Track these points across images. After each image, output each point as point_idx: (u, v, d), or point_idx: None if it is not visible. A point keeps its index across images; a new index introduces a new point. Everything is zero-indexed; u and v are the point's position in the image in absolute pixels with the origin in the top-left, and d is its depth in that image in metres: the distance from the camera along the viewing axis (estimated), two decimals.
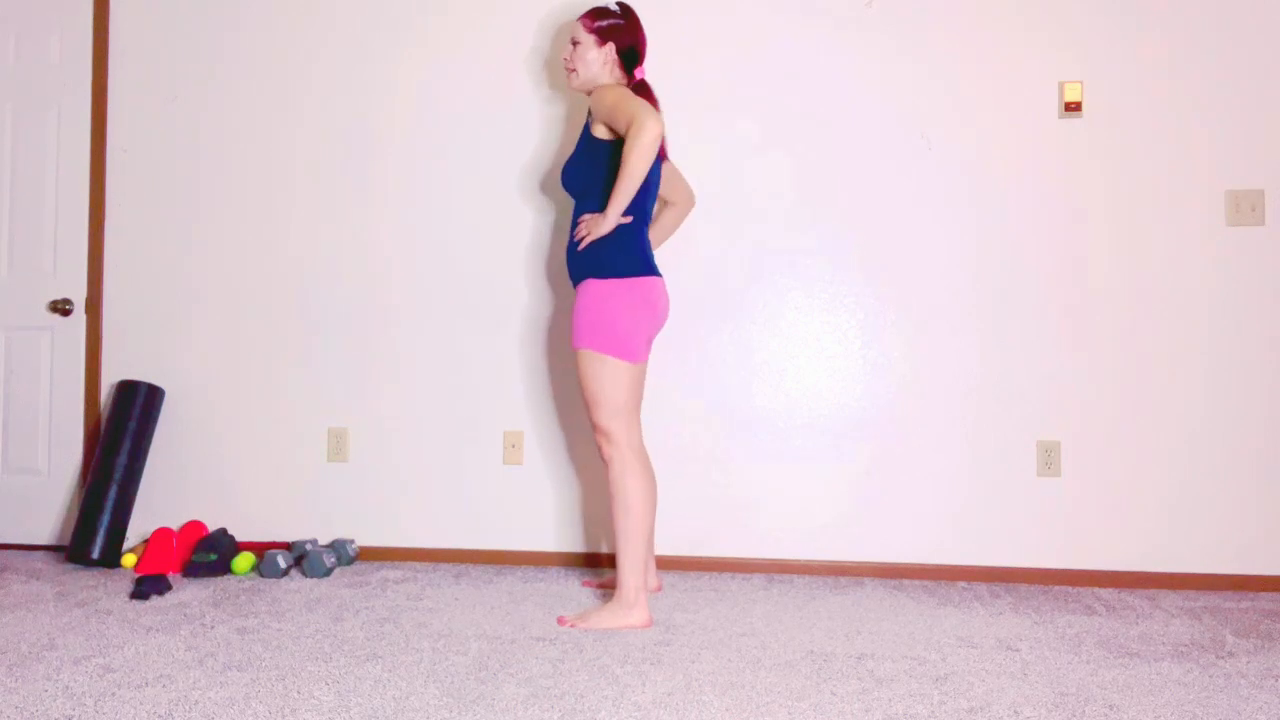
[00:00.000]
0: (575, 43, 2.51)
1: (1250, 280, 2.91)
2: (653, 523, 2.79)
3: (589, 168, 2.45)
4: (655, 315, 2.45)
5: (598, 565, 3.13)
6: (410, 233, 3.23)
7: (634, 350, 2.39)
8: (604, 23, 2.49)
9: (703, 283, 3.11)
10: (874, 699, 1.88)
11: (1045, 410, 2.97)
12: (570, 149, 3.15)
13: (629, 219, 2.42)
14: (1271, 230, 2.91)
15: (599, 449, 2.41)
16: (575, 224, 2.48)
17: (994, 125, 3.02)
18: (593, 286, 2.39)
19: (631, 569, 2.36)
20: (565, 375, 3.16)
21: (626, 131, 2.29)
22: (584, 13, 2.55)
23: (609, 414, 2.39)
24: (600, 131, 2.42)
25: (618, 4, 2.54)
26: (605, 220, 2.36)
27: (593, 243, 2.41)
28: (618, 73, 2.52)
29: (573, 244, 2.47)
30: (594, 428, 2.43)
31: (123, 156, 3.37)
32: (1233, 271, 2.92)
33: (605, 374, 2.38)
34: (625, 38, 2.49)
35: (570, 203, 3.13)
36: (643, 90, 2.51)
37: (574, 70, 2.52)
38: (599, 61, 2.49)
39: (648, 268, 2.43)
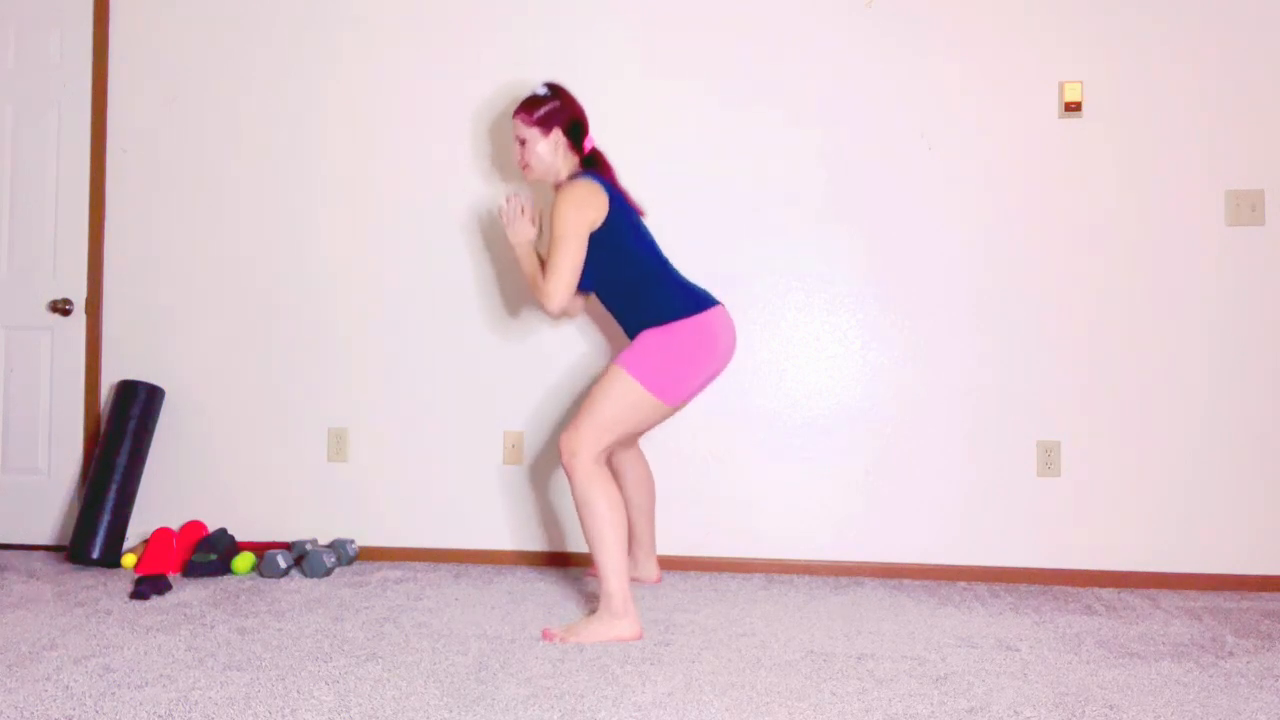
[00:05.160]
0: (521, 140, 2.53)
1: (1250, 280, 2.91)
2: (639, 522, 2.80)
3: (591, 260, 2.46)
4: (717, 353, 2.42)
5: (591, 563, 3.12)
6: (411, 233, 3.23)
7: (678, 394, 2.39)
8: (542, 111, 2.50)
9: (703, 283, 3.11)
10: (874, 699, 1.88)
11: (1045, 410, 2.97)
12: None
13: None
14: (1271, 230, 2.91)
15: (560, 451, 2.36)
16: (609, 306, 2.52)
17: (994, 125, 3.02)
18: (654, 334, 2.39)
19: (615, 576, 2.28)
20: (566, 376, 3.16)
21: (547, 268, 2.36)
22: (518, 108, 2.54)
23: (598, 430, 2.32)
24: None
25: (546, 86, 2.54)
26: (517, 238, 2.51)
27: (636, 306, 2.43)
28: (570, 155, 2.54)
29: (620, 321, 2.50)
30: (568, 430, 2.34)
31: (123, 156, 3.37)
32: (1233, 271, 2.92)
33: (629, 400, 2.34)
34: (566, 116, 2.51)
35: None
36: (596, 161, 2.55)
37: (528, 166, 2.54)
38: (550, 150, 2.52)
39: (705, 300, 2.44)
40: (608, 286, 2.48)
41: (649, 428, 2.48)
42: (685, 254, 3.11)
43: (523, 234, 2.51)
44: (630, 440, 2.77)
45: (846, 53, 3.08)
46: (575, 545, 3.15)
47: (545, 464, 3.17)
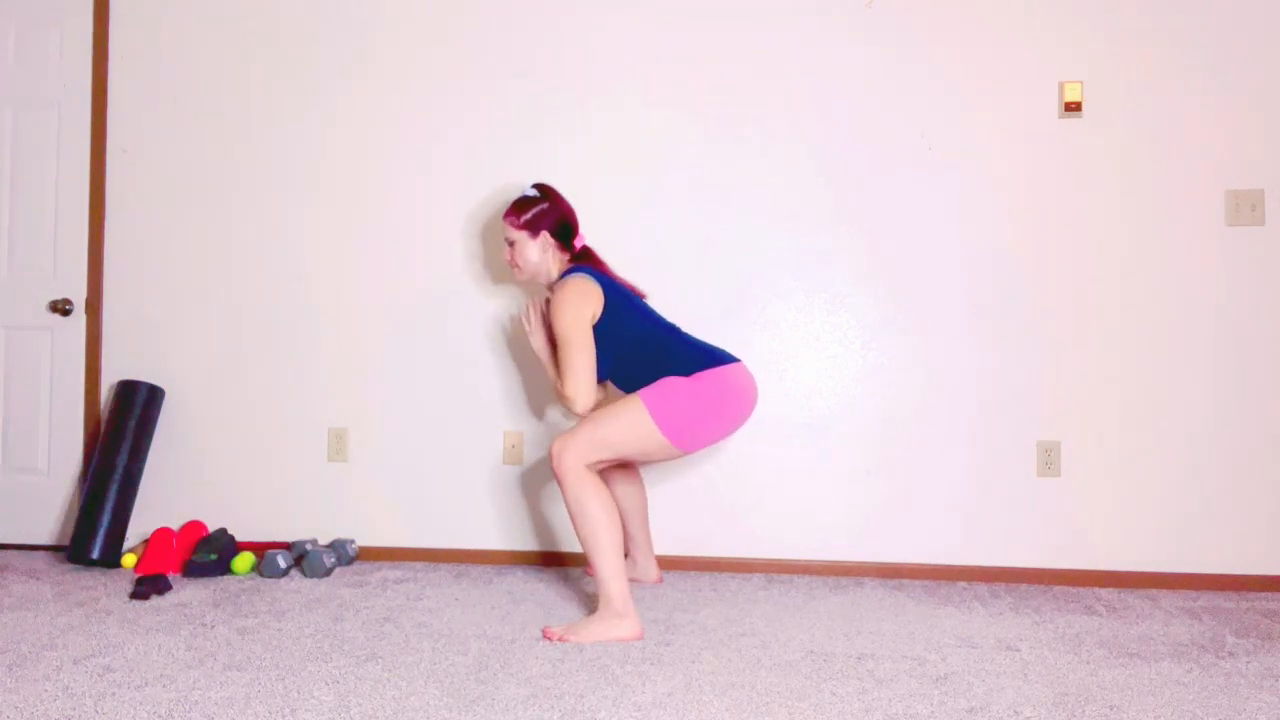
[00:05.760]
0: (510, 242, 2.56)
1: (1250, 280, 2.91)
2: (634, 525, 2.80)
3: (599, 357, 2.48)
4: (741, 409, 2.41)
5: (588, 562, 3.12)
6: (412, 234, 3.23)
7: (693, 442, 2.38)
8: (530, 214, 2.52)
9: (704, 283, 3.11)
10: (874, 699, 1.88)
11: (1045, 410, 2.97)
12: None
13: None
14: (1271, 230, 2.91)
15: (550, 455, 2.34)
16: (620, 383, 2.51)
17: (994, 125, 3.02)
18: (675, 382, 2.38)
19: (613, 579, 2.27)
20: None
21: (560, 374, 2.41)
22: (507, 210, 2.56)
23: (593, 445, 2.30)
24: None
25: (535, 187, 2.56)
26: (537, 343, 2.63)
27: (649, 372, 2.43)
28: (559, 255, 2.56)
29: (638, 388, 2.48)
30: (563, 436, 2.31)
31: (123, 156, 3.37)
32: (1233, 271, 2.92)
33: (637, 431, 2.33)
34: (553, 218, 2.53)
35: None
36: (586, 258, 2.57)
37: (517, 267, 2.57)
38: (538, 252, 2.54)
39: (725, 356, 2.44)
40: (623, 371, 2.49)
41: (651, 462, 2.48)
42: (685, 255, 3.12)
43: (541, 339, 2.61)
44: (629, 465, 2.76)
45: (847, 52, 3.08)
46: (575, 545, 3.15)
47: (545, 465, 3.17)
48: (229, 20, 3.34)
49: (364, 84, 3.27)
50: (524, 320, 2.64)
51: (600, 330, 2.44)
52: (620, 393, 2.89)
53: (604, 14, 3.16)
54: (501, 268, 3.18)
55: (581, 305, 2.38)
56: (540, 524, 3.16)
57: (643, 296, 2.61)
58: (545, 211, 2.53)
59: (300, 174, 3.29)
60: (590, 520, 2.28)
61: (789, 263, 3.08)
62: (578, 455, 2.29)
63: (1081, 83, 2.97)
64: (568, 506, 2.31)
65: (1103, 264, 2.96)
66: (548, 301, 2.55)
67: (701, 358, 2.42)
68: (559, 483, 2.32)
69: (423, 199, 3.23)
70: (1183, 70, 2.95)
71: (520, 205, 2.54)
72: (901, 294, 3.04)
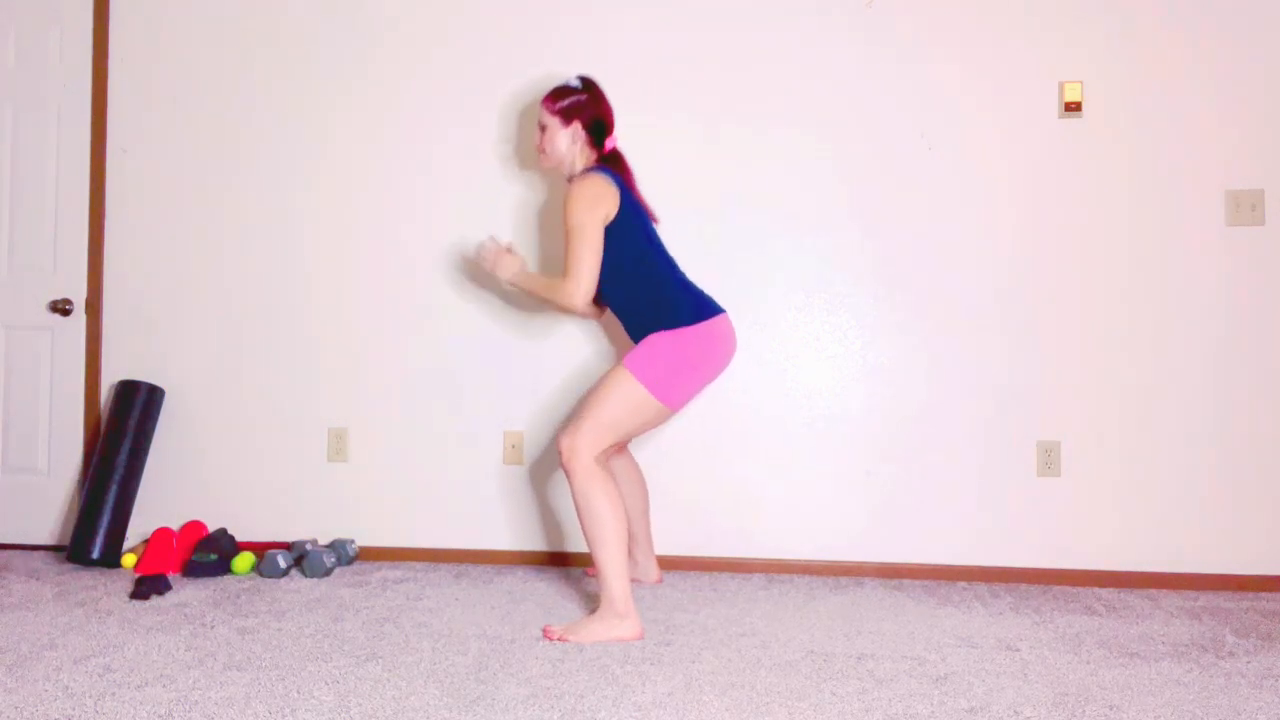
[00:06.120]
0: (543, 127, 2.53)
1: (1250, 280, 2.91)
2: (636, 525, 2.80)
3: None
4: (720, 361, 2.44)
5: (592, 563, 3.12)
6: (411, 234, 3.23)
7: (681, 398, 2.40)
8: (566, 102, 2.50)
9: (703, 283, 3.11)
10: (874, 699, 1.88)
11: (1045, 410, 2.97)
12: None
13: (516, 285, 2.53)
14: (1271, 230, 2.91)
15: (560, 454, 2.35)
16: (612, 304, 2.50)
17: (994, 125, 3.02)
18: (664, 337, 2.38)
19: (616, 578, 2.27)
20: (566, 376, 3.16)
21: (565, 264, 2.38)
22: (546, 94, 2.54)
23: (598, 431, 2.31)
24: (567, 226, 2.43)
25: (579, 79, 2.54)
26: (507, 273, 2.53)
27: (644, 306, 2.42)
28: (588, 150, 2.53)
29: (625, 322, 2.48)
30: (568, 430, 2.33)
31: (123, 156, 3.37)
32: (1233, 271, 2.92)
33: (632, 403, 2.34)
34: (589, 113, 2.51)
35: None
36: (614, 161, 2.54)
37: (544, 153, 2.55)
38: (567, 141, 2.51)
39: (712, 307, 2.45)
40: (615, 284, 2.47)
41: (647, 430, 2.49)
42: (685, 254, 3.11)
43: (511, 266, 2.54)
44: (624, 442, 2.77)
45: (847, 53, 3.08)
46: (575, 545, 3.15)
47: (545, 464, 3.17)
48: (229, 20, 3.34)
49: (364, 84, 3.27)
50: (484, 255, 2.56)
51: (606, 234, 2.41)
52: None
53: (604, 14, 3.16)
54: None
55: (596, 204, 2.36)
56: (540, 524, 3.16)
57: (655, 221, 2.59)
58: (582, 103, 2.50)
59: (300, 174, 3.29)
60: (596, 517, 2.28)
61: (789, 263, 3.08)
62: (587, 447, 2.30)
63: (1081, 83, 2.97)
64: (575, 502, 2.31)
65: (1103, 264, 2.96)
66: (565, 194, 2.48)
67: (687, 307, 2.41)
68: (568, 478, 2.32)
69: (423, 199, 3.23)
70: (1183, 70, 2.95)
71: (559, 92, 2.52)
72: (901, 294, 3.04)
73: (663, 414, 2.40)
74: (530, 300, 3.17)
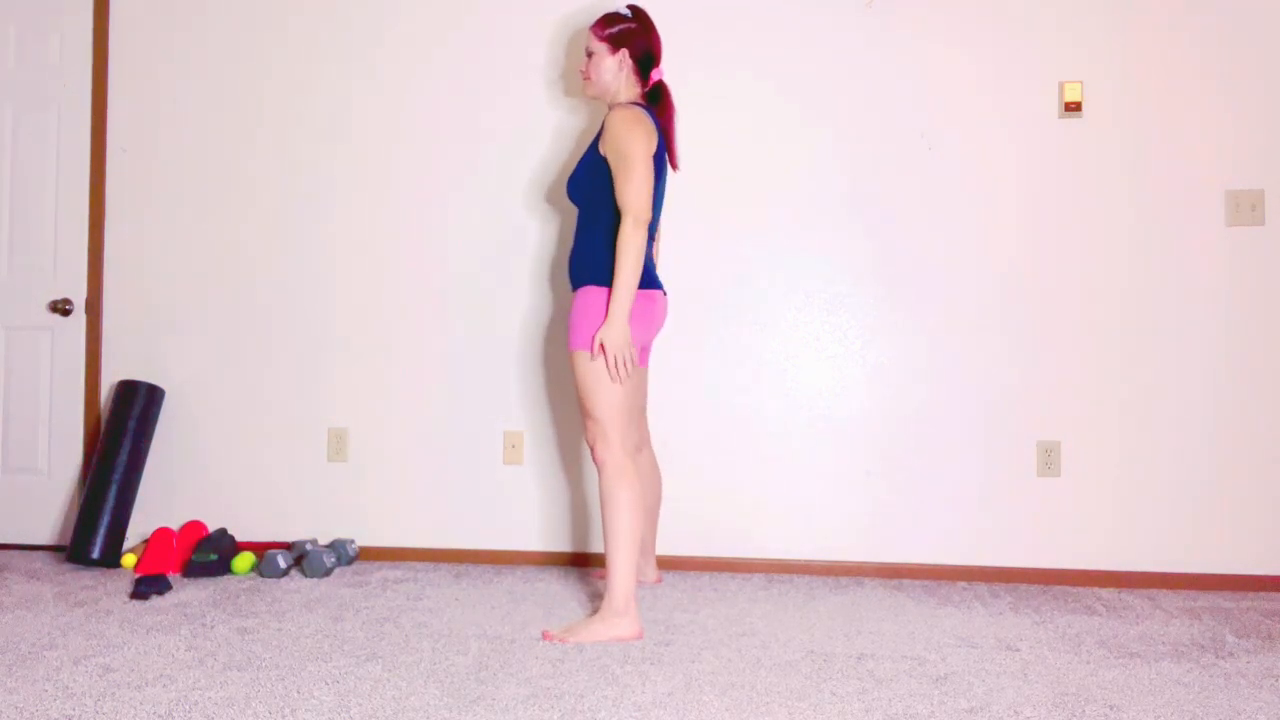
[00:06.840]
0: (590, 54, 2.49)
1: (1250, 280, 2.91)
2: (644, 525, 2.79)
3: (594, 182, 2.41)
4: (650, 326, 2.44)
5: (600, 564, 3.13)
6: (410, 234, 3.23)
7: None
8: (614, 29, 2.45)
9: (704, 283, 3.11)
10: (874, 699, 1.88)
11: (1045, 410, 2.97)
12: (574, 159, 3.15)
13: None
14: (1271, 230, 2.91)
15: (591, 450, 2.37)
16: (578, 231, 2.45)
17: (994, 125, 3.02)
18: (592, 292, 2.36)
19: (623, 575, 2.28)
20: (565, 376, 3.16)
21: (620, 199, 2.30)
22: (595, 21, 2.50)
23: (601, 415, 2.33)
24: (609, 152, 2.37)
25: (629, 7, 2.49)
26: (612, 327, 2.27)
27: (597, 248, 2.38)
28: (633, 79, 2.48)
29: (575, 249, 2.44)
30: (586, 428, 2.38)
31: (123, 156, 3.37)
32: (1233, 271, 2.92)
33: (594, 373, 2.33)
34: (638, 42, 2.45)
35: (574, 209, 3.12)
36: (660, 95, 2.50)
37: (589, 80, 2.50)
38: (613, 69, 2.46)
39: (649, 280, 2.43)
40: (592, 220, 2.42)
41: (638, 399, 2.56)
42: (685, 253, 3.11)
43: (614, 335, 2.30)
44: (638, 414, 2.74)
45: (846, 53, 3.08)
46: (575, 545, 3.15)
47: (545, 464, 3.17)
48: (229, 20, 3.34)
49: (365, 84, 3.27)
50: (611, 373, 2.33)
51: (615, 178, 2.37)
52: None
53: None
54: (502, 270, 3.18)
55: (646, 138, 2.33)
56: (541, 523, 3.16)
57: (676, 169, 2.58)
58: (631, 32, 2.45)
59: (300, 174, 3.29)
60: (618, 511, 2.29)
61: (788, 263, 3.08)
62: (613, 438, 2.32)
63: (1081, 83, 2.97)
64: (601, 492, 2.33)
65: (1103, 264, 2.96)
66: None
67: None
68: (599, 470, 2.34)
69: (422, 198, 3.23)
70: (1183, 70, 2.95)
71: (608, 19, 2.47)
72: (901, 294, 3.04)
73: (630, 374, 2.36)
74: (530, 300, 3.17)
